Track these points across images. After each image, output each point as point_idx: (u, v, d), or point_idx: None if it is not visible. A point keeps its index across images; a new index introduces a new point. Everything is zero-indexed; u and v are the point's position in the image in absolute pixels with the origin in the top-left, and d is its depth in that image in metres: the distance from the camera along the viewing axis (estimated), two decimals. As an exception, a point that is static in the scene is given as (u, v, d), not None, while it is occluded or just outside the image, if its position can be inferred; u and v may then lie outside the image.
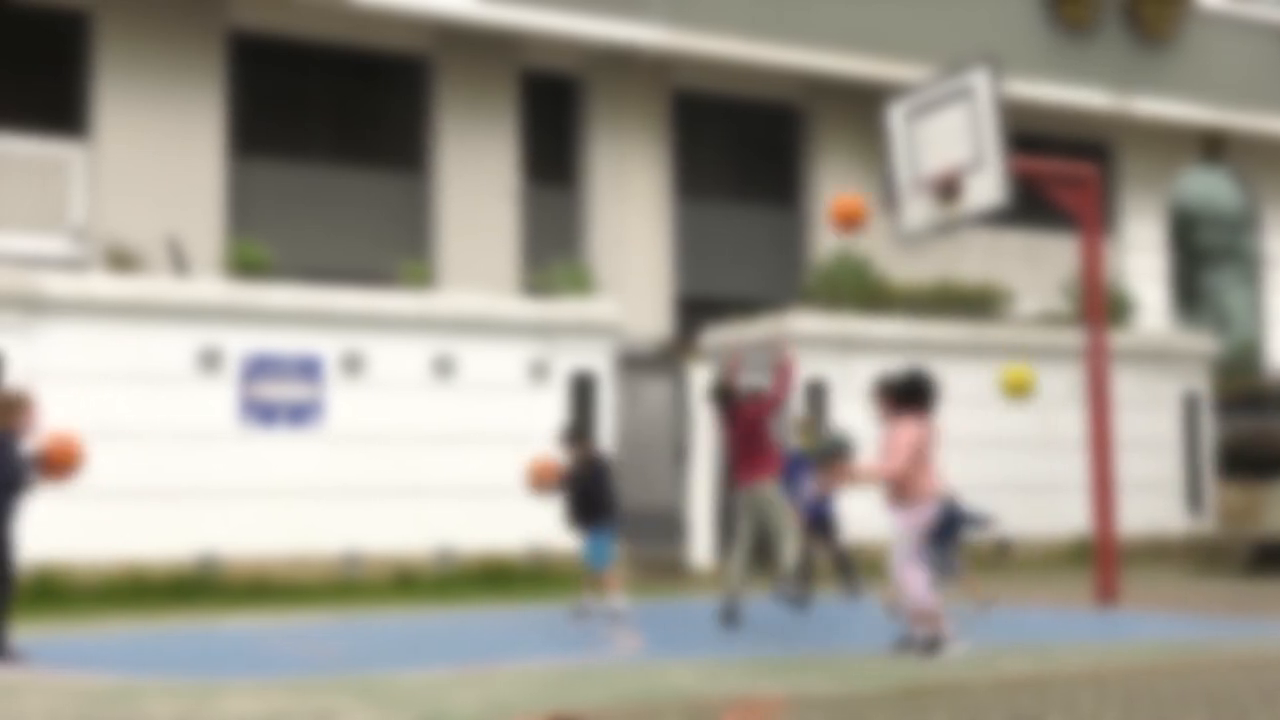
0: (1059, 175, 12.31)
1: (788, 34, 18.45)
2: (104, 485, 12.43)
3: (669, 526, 15.70)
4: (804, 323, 16.05)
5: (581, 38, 17.56)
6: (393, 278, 15.34)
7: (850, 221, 10.96)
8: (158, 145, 16.15)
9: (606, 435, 14.94)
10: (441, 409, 14.31)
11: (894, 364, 14.85)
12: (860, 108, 19.15)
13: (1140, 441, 17.36)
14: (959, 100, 11.70)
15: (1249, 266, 24.16)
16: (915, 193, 12.11)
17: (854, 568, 12.60)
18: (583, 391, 14.99)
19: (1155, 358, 18.30)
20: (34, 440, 8.51)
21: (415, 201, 17.83)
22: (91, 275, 14.08)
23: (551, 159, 18.74)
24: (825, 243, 19.41)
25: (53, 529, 12.13)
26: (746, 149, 20.23)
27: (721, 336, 16.93)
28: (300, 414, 13.73)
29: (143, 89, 16.17)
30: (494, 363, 14.63)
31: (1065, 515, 16.51)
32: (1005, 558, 16.33)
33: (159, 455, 13.14)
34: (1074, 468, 15.70)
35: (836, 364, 16.07)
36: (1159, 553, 17.44)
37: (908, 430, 8.42)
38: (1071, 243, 18.24)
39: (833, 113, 20.03)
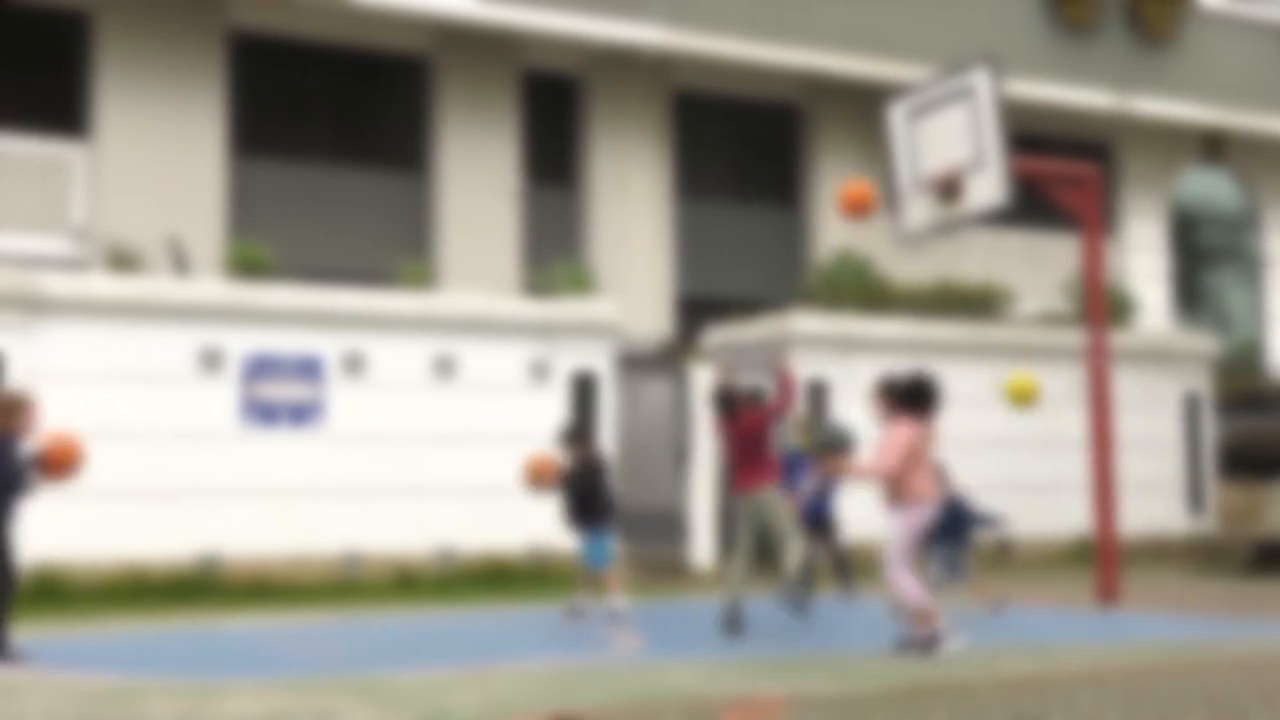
0: (1060, 175, 12.31)
1: (788, 34, 18.45)
2: (105, 485, 12.43)
3: (670, 526, 15.69)
4: (805, 323, 16.05)
5: (582, 38, 17.56)
6: (393, 278, 15.34)
7: (859, 208, 11.11)
8: (158, 145, 16.15)
9: (607, 435, 14.94)
10: (442, 409, 14.31)
11: (895, 364, 14.86)
12: (861, 107, 19.15)
13: (1141, 441, 17.36)
14: (960, 100, 11.70)
15: (1250, 266, 24.15)
16: (916, 192, 12.11)
17: (851, 568, 12.60)
18: (583, 391, 14.99)
19: (1156, 358, 18.29)
20: (34, 441, 8.51)
21: (416, 201, 17.83)
22: (92, 275, 14.08)
23: (552, 159, 18.74)
24: (826, 242, 19.41)
25: (53, 529, 12.14)
26: (747, 149, 20.23)
27: (722, 336, 16.93)
28: (301, 414, 13.73)
29: (143, 89, 16.17)
30: (495, 363, 14.63)
31: (1066, 515, 16.51)
32: (1006, 557, 16.32)
33: (160, 455, 13.14)
34: (1075, 467, 15.70)
35: (837, 364, 16.07)
36: (1160, 553, 17.43)
37: (903, 431, 8.44)
38: (1072, 243, 18.23)
39: (833, 112, 20.03)
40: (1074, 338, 16.86)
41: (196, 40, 16.47)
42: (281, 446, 13.61)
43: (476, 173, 17.78)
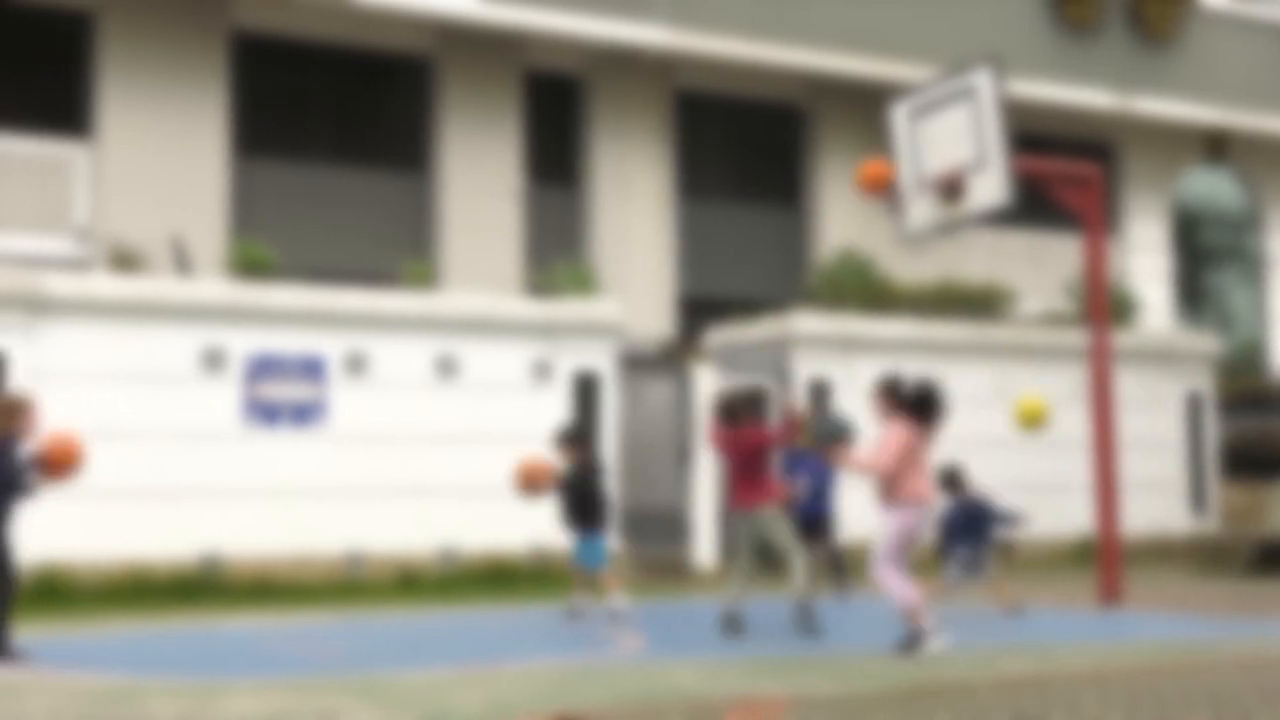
0: (1062, 175, 12.31)
1: (790, 34, 18.45)
2: (107, 485, 12.44)
3: (672, 527, 15.70)
4: (806, 323, 16.05)
5: (584, 38, 17.56)
6: (395, 278, 15.35)
7: (876, 186, 11.36)
8: (161, 145, 16.16)
9: (609, 435, 14.94)
10: (444, 409, 14.32)
11: (897, 364, 14.86)
12: (863, 107, 19.15)
13: (1143, 441, 17.34)
14: (962, 100, 11.70)
15: (1252, 266, 24.14)
16: (918, 192, 12.11)
17: (846, 568, 12.60)
18: (586, 392, 14.99)
19: (1158, 358, 18.28)
20: (34, 442, 8.51)
21: (418, 201, 17.84)
22: (95, 275, 14.09)
23: (554, 159, 18.74)
24: (828, 242, 19.41)
25: (55, 529, 12.15)
26: (749, 149, 20.23)
27: (724, 336, 16.93)
28: (303, 414, 13.74)
29: (146, 89, 16.18)
30: (497, 363, 14.64)
31: (1068, 515, 16.50)
32: (1009, 557, 16.31)
33: (162, 455, 13.14)
34: (1077, 468, 15.69)
35: (839, 364, 16.07)
36: (1162, 553, 17.42)
37: (900, 431, 8.46)
38: (1075, 243, 18.22)
39: (835, 113, 20.03)
40: (1076, 338, 16.85)
41: (198, 40, 16.48)
42: (284, 446, 13.62)
43: (479, 173, 17.79)
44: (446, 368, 14.38)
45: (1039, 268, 20.92)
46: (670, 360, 16.45)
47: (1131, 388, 16.91)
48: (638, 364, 16.17)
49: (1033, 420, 10.40)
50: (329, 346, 13.90)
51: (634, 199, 18.68)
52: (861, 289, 17.18)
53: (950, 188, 11.68)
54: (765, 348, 16.26)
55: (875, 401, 8.79)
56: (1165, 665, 7.90)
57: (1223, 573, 15.41)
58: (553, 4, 16.98)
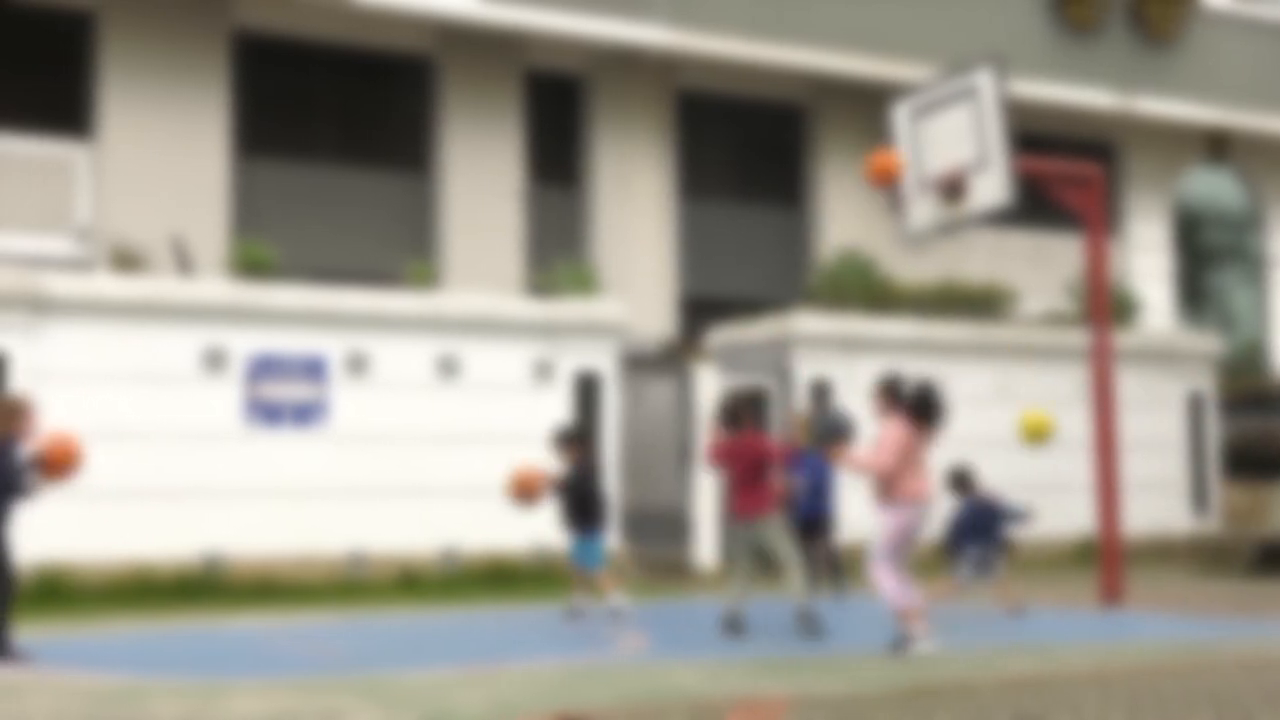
0: (1064, 175, 12.31)
1: (791, 34, 18.45)
2: (109, 485, 12.45)
3: (674, 526, 15.70)
4: (808, 323, 16.05)
5: (585, 38, 17.57)
6: (397, 278, 15.36)
7: (886, 176, 11.48)
8: (162, 145, 16.17)
9: (611, 436, 14.95)
10: (446, 409, 14.32)
11: (898, 364, 14.87)
12: (864, 107, 19.15)
13: (1145, 442, 17.33)
14: (964, 100, 11.71)
15: (1254, 266, 24.14)
16: (920, 192, 12.11)
17: (843, 569, 12.60)
18: (587, 392, 14.99)
19: (1160, 358, 18.28)
20: (33, 442, 8.52)
21: (420, 201, 17.84)
22: (96, 275, 14.10)
23: (556, 159, 18.74)
24: (830, 242, 19.41)
25: (58, 529, 12.16)
26: (750, 149, 20.23)
27: (725, 336, 16.94)
28: (305, 414, 13.75)
29: (147, 89, 16.18)
30: (499, 363, 14.64)
31: (1070, 515, 16.50)
32: (1010, 557, 16.30)
33: (164, 455, 13.15)
34: (1079, 468, 15.69)
35: (841, 364, 16.07)
36: (1164, 553, 17.42)
37: (899, 429, 8.47)
38: (1076, 243, 18.22)
39: (837, 112, 20.03)
40: (1078, 338, 16.85)
41: (201, 40, 16.49)
42: (286, 446, 13.63)
43: (480, 173, 17.79)
44: (448, 368, 14.38)
45: (1040, 268, 20.91)
46: (671, 360, 16.46)
47: (1133, 388, 16.91)
48: (639, 364, 16.17)
49: (1037, 434, 10.42)
50: (330, 346, 13.91)
51: (635, 199, 18.68)
52: (863, 289, 17.18)
53: (952, 188, 11.69)
54: (766, 348, 16.27)
55: (874, 401, 8.82)
56: (1167, 665, 7.90)
57: (1224, 573, 15.41)
58: (554, 4, 16.98)
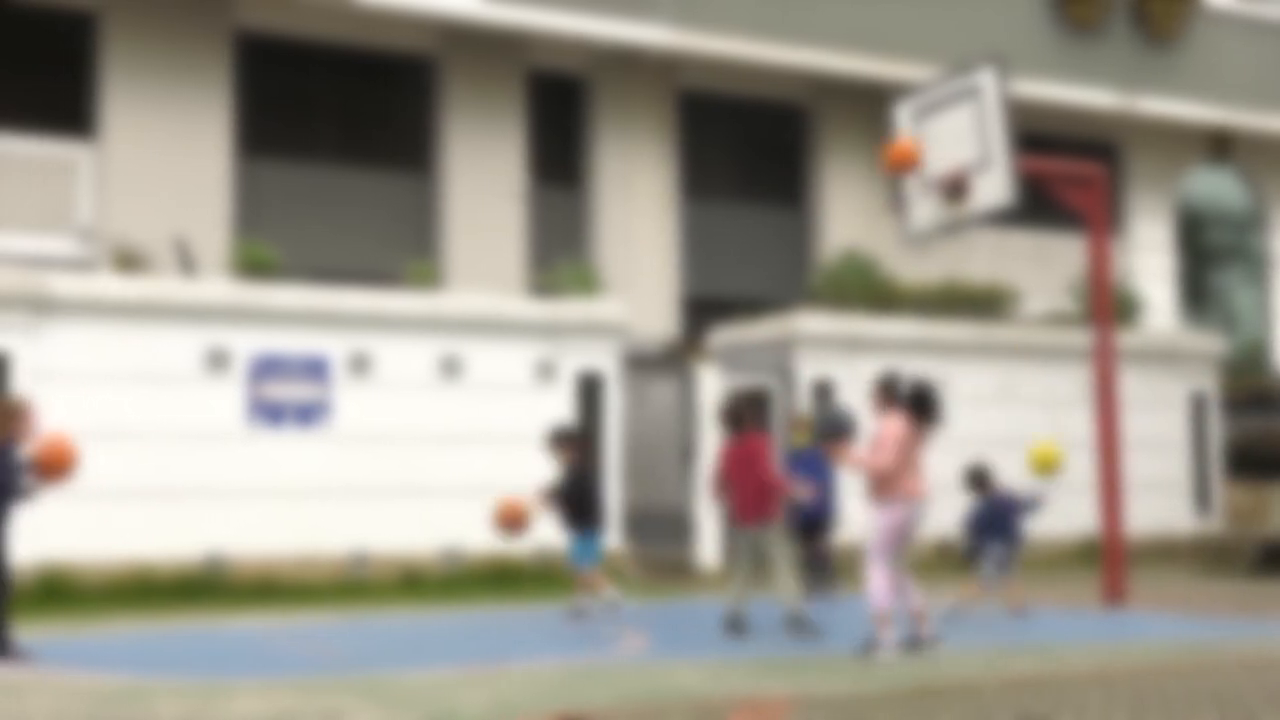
0: (1066, 175, 12.29)
1: (793, 34, 18.44)
2: (111, 485, 12.45)
3: (676, 526, 15.69)
4: (810, 323, 16.04)
5: (587, 38, 17.56)
6: (399, 278, 15.35)
7: (903, 164, 11.53)
8: (164, 146, 16.17)
9: (613, 435, 14.94)
10: (448, 409, 14.32)
11: (901, 364, 14.85)
12: (866, 107, 19.14)
13: (1147, 441, 17.32)
14: (966, 100, 11.70)
15: (1256, 266, 24.11)
16: (922, 192, 12.11)
17: (832, 570, 12.57)
18: (589, 392, 14.99)
19: (1163, 358, 18.26)
20: (31, 444, 8.51)
21: (422, 202, 17.84)
22: (98, 275, 14.10)
23: (558, 159, 18.74)
24: (832, 242, 19.40)
25: (59, 529, 12.16)
26: (752, 149, 20.22)
27: (728, 336, 16.93)
28: (307, 414, 13.75)
29: (149, 89, 16.19)
30: (501, 363, 14.64)
31: (1073, 515, 16.47)
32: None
33: (166, 455, 13.15)
34: (1081, 468, 15.67)
35: (843, 364, 16.06)
36: (1166, 553, 17.40)
37: (898, 426, 8.48)
38: (1079, 242, 18.21)
39: (839, 112, 20.02)
40: (1080, 338, 16.84)
41: (202, 40, 16.49)
42: (288, 446, 13.62)
43: (482, 173, 17.79)
44: (450, 368, 14.38)
45: (1043, 268, 20.89)
46: (674, 360, 16.45)
47: (1135, 388, 16.89)
48: (641, 364, 16.16)
49: (1046, 467, 10.42)
50: (333, 346, 13.90)
51: (637, 199, 18.68)
52: (865, 289, 17.16)
53: (954, 188, 11.68)
54: (769, 348, 16.26)
55: (872, 399, 8.85)
56: (1170, 665, 7.89)
57: (1227, 573, 15.40)
58: (556, 4, 16.98)
